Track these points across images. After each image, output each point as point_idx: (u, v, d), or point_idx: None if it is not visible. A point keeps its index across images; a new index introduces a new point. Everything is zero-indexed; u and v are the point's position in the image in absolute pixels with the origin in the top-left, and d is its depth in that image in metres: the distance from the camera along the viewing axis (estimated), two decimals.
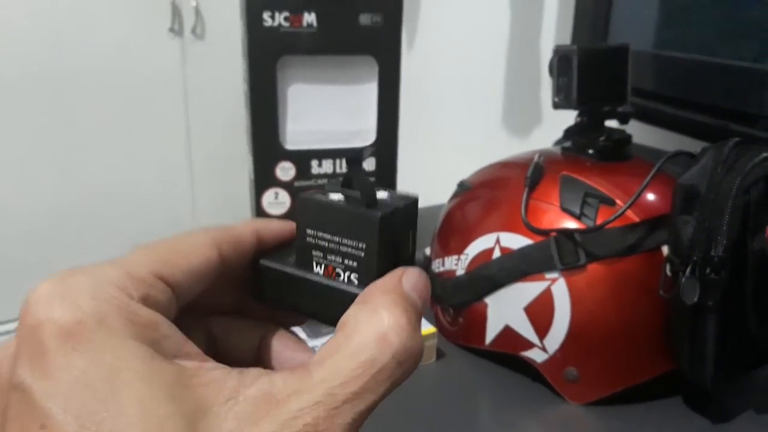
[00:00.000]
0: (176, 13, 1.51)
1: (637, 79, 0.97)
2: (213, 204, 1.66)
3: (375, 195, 0.26)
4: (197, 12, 1.53)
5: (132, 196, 1.59)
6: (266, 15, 0.68)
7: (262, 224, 0.27)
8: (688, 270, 0.51)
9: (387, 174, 0.78)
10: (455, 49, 1.54)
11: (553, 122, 0.70)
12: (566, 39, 1.10)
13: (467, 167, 0.73)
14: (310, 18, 0.69)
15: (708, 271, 0.50)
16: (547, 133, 0.68)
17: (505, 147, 1.42)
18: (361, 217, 0.25)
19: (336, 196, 0.26)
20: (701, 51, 0.89)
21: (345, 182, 0.26)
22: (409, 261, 0.27)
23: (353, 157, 0.27)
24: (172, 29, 1.52)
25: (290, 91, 0.72)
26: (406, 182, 1.86)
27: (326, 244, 0.26)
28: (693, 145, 1.03)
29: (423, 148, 1.72)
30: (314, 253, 0.26)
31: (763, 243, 0.50)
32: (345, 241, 0.25)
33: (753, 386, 0.60)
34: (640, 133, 1.11)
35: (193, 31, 1.54)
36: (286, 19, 0.69)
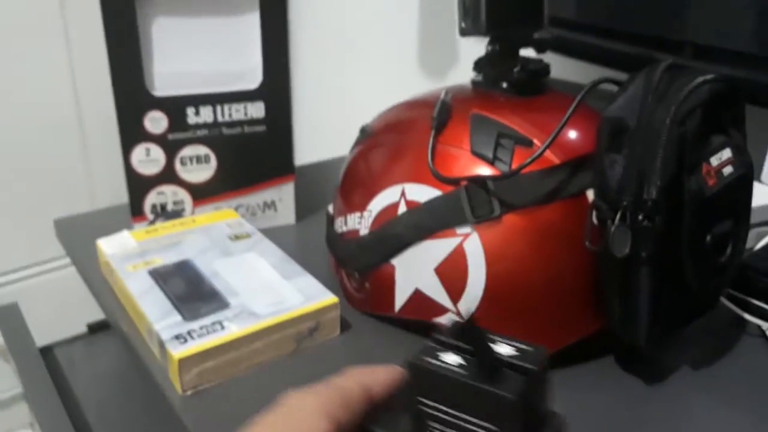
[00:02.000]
0: None
1: (554, 6, 0.89)
2: (108, 159, 1.51)
3: (498, 364, 0.23)
4: None
5: (18, 158, 1.44)
6: None
7: (370, 377, 0.28)
8: (617, 217, 0.44)
9: (281, 122, 0.68)
10: None
11: (470, 61, 0.62)
12: None
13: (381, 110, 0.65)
14: None
15: (640, 217, 0.43)
16: (465, 73, 0.60)
17: (422, 87, 1.34)
18: (490, 396, 0.22)
19: (450, 358, 0.24)
20: None
21: (455, 332, 0.24)
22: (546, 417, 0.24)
23: (465, 323, 0.24)
24: None
25: (154, 27, 0.61)
26: (314, 129, 1.77)
27: (446, 418, 0.24)
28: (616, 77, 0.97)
29: (334, 91, 1.62)
30: (431, 424, 0.24)
31: (700, 182, 0.44)
32: (472, 419, 0.23)
33: (687, 341, 0.55)
34: (559, 66, 1.04)
35: None
36: None
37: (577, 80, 1.01)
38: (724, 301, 0.58)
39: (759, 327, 0.57)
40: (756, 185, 0.73)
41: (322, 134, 1.75)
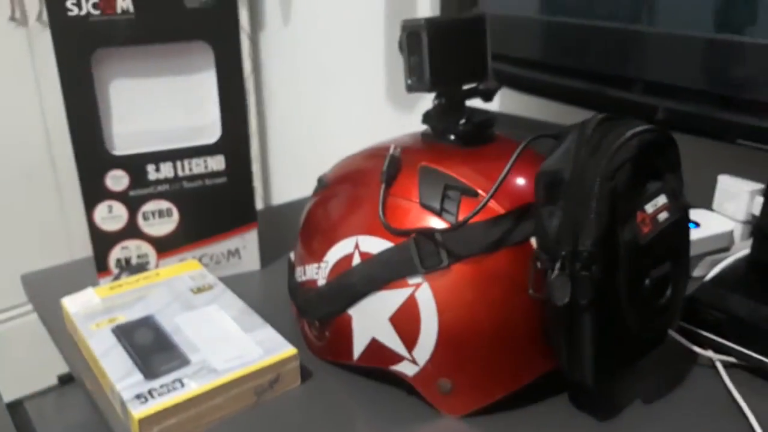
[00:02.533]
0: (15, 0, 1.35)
1: (509, 45, 0.92)
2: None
3: None
4: None
5: None
6: (70, 3, 0.58)
7: None
8: (557, 266, 0.46)
9: (241, 173, 0.70)
10: (333, 20, 1.46)
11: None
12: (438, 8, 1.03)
13: (355, 144, 0.66)
14: (125, 3, 0.60)
15: (578, 267, 0.45)
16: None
17: (394, 121, 1.36)
18: None
19: None
20: (573, 13, 0.84)
21: None
22: None
23: None
24: (13, 18, 1.36)
25: (112, 88, 0.62)
26: (290, 165, 1.79)
27: None
28: (571, 113, 1.00)
29: (309, 125, 1.64)
30: None
31: (633, 231, 0.45)
32: None
33: (639, 375, 0.57)
34: (518, 103, 1.07)
35: (39, 18, 1.39)
36: (95, 6, 0.59)
37: (534, 115, 1.04)
38: (674, 334, 0.60)
39: (710, 358, 0.58)
40: (708, 213, 0.76)
41: (296, 169, 1.77)
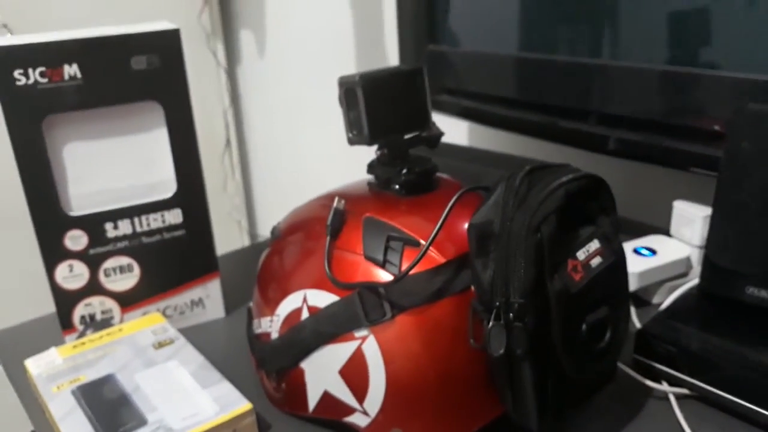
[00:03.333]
0: None
1: (469, 80, 0.93)
2: None
3: None
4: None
5: None
6: (17, 73, 0.59)
7: None
8: (492, 317, 0.46)
9: (199, 224, 0.71)
10: (305, 52, 1.48)
11: None
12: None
13: (332, 179, 0.67)
14: (72, 70, 0.61)
15: (511, 317, 0.46)
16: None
17: (368, 151, 1.38)
18: None
19: None
20: (525, 48, 0.85)
21: None
22: None
23: None
24: None
25: (65, 151, 0.64)
26: (272, 192, 1.79)
27: None
28: (530, 144, 1.01)
29: (289, 153, 1.66)
30: None
31: (564, 280, 0.46)
32: None
33: (594, 410, 0.57)
34: (484, 136, 1.08)
35: None
36: (42, 74, 0.60)
37: (497, 147, 1.05)
38: (625, 368, 0.60)
39: (663, 392, 0.59)
40: (665, 239, 0.77)
41: (281, 198, 1.78)
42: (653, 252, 0.74)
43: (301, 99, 1.54)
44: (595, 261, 0.49)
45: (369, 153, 1.37)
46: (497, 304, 0.46)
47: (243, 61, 1.70)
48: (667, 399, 0.59)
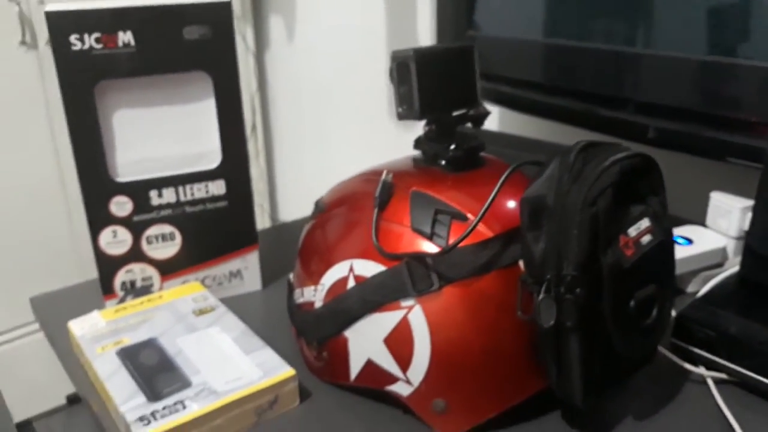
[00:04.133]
0: (26, 23, 1.39)
1: (505, 66, 0.93)
2: None
3: None
4: None
5: (2, 227, 1.47)
6: (74, 38, 0.60)
7: None
8: (543, 289, 0.47)
9: (241, 197, 0.72)
10: (336, 39, 1.48)
11: None
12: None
13: (356, 167, 0.68)
14: (126, 37, 0.62)
15: (562, 290, 0.46)
16: None
17: (395, 136, 1.38)
18: None
19: None
20: (566, 35, 0.86)
21: None
22: None
23: None
24: (23, 42, 1.39)
25: (115, 118, 0.65)
26: (295, 179, 1.81)
27: None
28: (566, 132, 1.01)
29: (314, 141, 1.66)
30: None
31: (616, 254, 0.47)
32: None
33: (632, 391, 0.58)
34: (515, 122, 1.09)
35: (48, 42, 1.42)
36: (98, 40, 0.61)
37: (533, 134, 1.06)
38: (665, 352, 0.61)
39: (701, 375, 0.60)
40: (701, 230, 0.77)
41: (304, 185, 1.79)
42: (689, 241, 0.74)
43: (329, 86, 1.55)
44: (646, 239, 0.49)
45: (395, 140, 1.37)
46: (548, 276, 0.47)
47: (271, 46, 1.71)
48: (704, 383, 0.59)
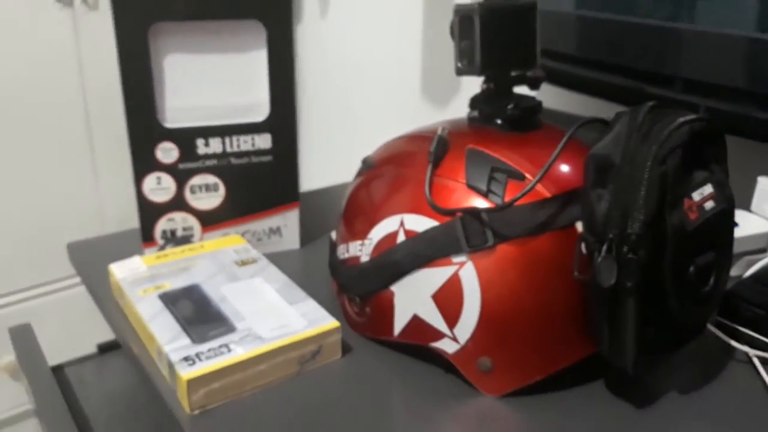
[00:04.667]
0: None
1: (550, 41, 0.92)
2: (117, 184, 1.55)
3: None
4: None
5: (31, 182, 1.47)
6: None
7: None
8: (604, 249, 0.46)
9: (287, 152, 0.71)
10: (370, 16, 1.47)
11: (471, 89, 0.64)
12: None
13: (385, 139, 0.67)
14: None
15: (625, 249, 0.45)
16: (465, 101, 0.62)
17: (425, 117, 1.37)
18: None
19: None
20: (615, 10, 0.84)
21: None
22: None
23: None
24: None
25: (166, 62, 0.64)
26: (321, 157, 1.81)
27: None
28: (611, 109, 1.00)
29: (341, 119, 1.66)
30: None
31: (681, 217, 0.46)
32: None
33: (675, 366, 0.57)
34: (554, 97, 1.07)
35: (84, 0, 1.42)
36: None
37: (572, 111, 1.04)
38: (711, 328, 0.60)
39: (746, 354, 0.59)
40: (746, 214, 0.76)
41: (328, 159, 1.78)
42: (735, 224, 0.73)
43: (361, 64, 1.54)
44: (709, 204, 0.49)
45: (424, 118, 1.37)
46: (611, 236, 0.46)
47: (304, 20, 1.70)
48: (749, 362, 0.58)
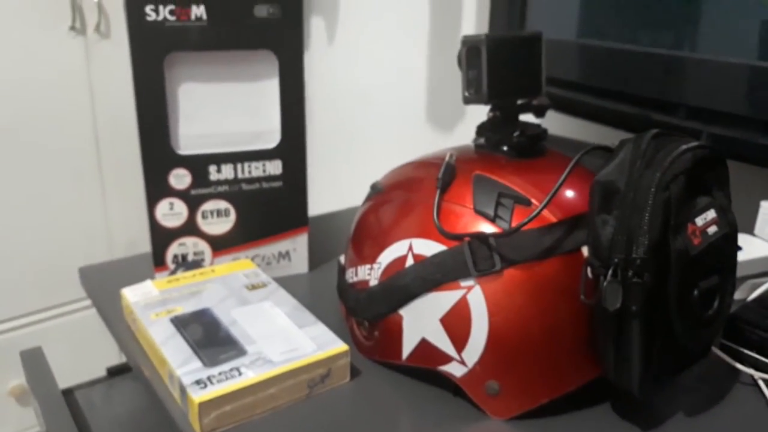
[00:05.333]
0: (77, 9, 1.41)
1: (555, 68, 0.94)
2: (125, 209, 1.57)
3: None
4: (100, 8, 1.44)
5: (41, 206, 1.49)
6: (149, 8, 0.62)
7: None
8: (610, 273, 0.47)
9: (296, 178, 0.73)
10: (377, 44, 1.50)
11: (476, 116, 0.66)
12: (486, 29, 1.06)
13: (392, 165, 0.69)
14: (199, 11, 0.63)
15: (630, 274, 0.46)
16: (470, 128, 0.64)
17: (430, 143, 1.39)
18: None
19: None
20: (619, 39, 0.86)
21: None
22: None
23: None
24: (73, 27, 1.42)
25: (181, 90, 0.66)
26: (328, 183, 1.83)
27: None
28: (615, 136, 1.02)
29: (348, 146, 1.68)
30: None
31: (685, 242, 0.47)
32: None
33: (681, 389, 0.58)
34: (561, 124, 1.09)
35: (97, 29, 1.44)
36: (171, 12, 0.62)
37: (577, 137, 1.06)
38: (717, 351, 0.61)
39: (751, 376, 0.59)
40: (750, 238, 0.77)
41: (336, 184, 1.80)
42: (739, 248, 0.74)
43: (367, 90, 1.56)
44: (712, 229, 0.50)
45: (430, 146, 1.38)
46: (616, 260, 0.47)
47: (311, 47, 1.73)
48: (754, 385, 0.59)
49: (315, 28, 1.70)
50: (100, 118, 1.50)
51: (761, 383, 0.58)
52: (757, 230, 0.77)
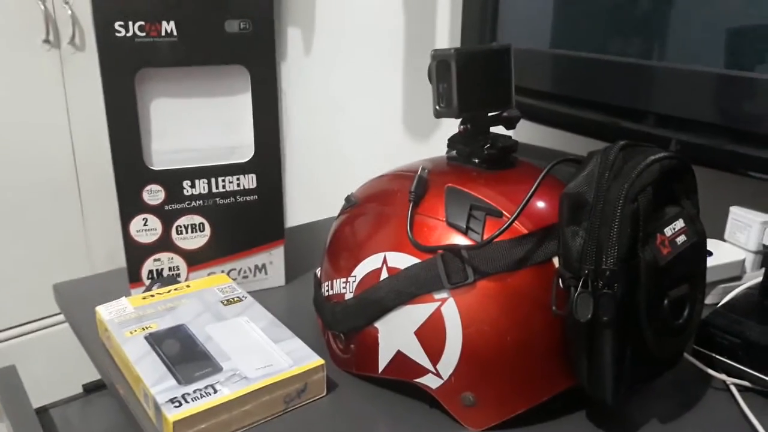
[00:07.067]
0: (50, 22, 1.40)
1: (526, 78, 0.95)
2: (104, 221, 1.56)
3: None
4: (74, 21, 1.43)
5: (18, 219, 1.47)
6: (118, 25, 0.61)
7: None
8: (580, 284, 0.48)
9: (271, 191, 0.73)
10: (353, 55, 1.50)
11: (452, 126, 0.66)
12: (459, 39, 1.07)
13: (369, 175, 0.69)
14: (169, 27, 0.63)
15: (600, 284, 0.47)
16: (446, 138, 0.64)
17: (407, 154, 1.39)
18: None
19: None
20: (589, 48, 0.87)
21: None
22: None
23: None
24: (47, 40, 1.41)
25: (152, 106, 0.66)
26: (305, 193, 1.82)
27: None
28: (585, 144, 1.03)
29: (325, 156, 1.68)
30: None
31: (654, 252, 0.48)
32: None
33: (654, 395, 0.58)
34: (531, 133, 1.10)
35: (72, 41, 1.43)
36: (141, 28, 0.62)
37: (549, 146, 1.07)
38: (689, 357, 0.61)
39: (723, 382, 0.60)
40: (720, 243, 0.78)
41: (313, 195, 1.80)
42: (709, 253, 0.75)
43: (344, 101, 1.56)
44: (680, 239, 0.50)
45: (407, 155, 1.39)
46: (586, 271, 0.48)
47: (288, 58, 1.73)
48: (726, 390, 0.60)
49: (291, 39, 1.70)
50: (77, 130, 1.49)
51: (733, 388, 0.59)
52: (726, 235, 0.79)
